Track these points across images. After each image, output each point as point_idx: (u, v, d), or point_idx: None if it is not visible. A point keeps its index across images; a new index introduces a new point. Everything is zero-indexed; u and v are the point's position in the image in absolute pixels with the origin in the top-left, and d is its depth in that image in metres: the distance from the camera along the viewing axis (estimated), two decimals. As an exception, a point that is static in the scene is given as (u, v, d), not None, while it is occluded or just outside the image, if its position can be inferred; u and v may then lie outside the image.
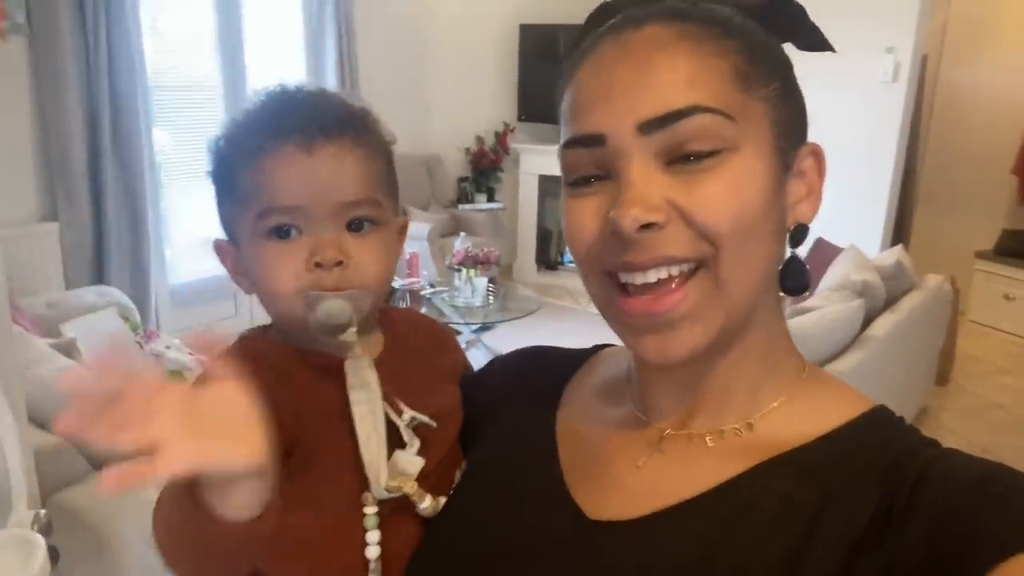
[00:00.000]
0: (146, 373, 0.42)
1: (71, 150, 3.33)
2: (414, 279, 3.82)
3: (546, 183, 5.45)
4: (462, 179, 5.60)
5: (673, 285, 0.48)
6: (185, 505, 0.49)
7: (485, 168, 5.55)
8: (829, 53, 0.55)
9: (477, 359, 0.99)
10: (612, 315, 0.52)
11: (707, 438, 0.54)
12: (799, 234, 0.53)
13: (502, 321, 3.70)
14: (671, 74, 0.47)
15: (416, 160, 5.18)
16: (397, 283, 3.70)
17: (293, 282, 0.61)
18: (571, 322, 4.38)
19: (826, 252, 3.06)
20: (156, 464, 0.40)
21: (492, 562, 0.56)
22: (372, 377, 0.62)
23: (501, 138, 5.53)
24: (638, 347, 0.51)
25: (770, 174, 0.49)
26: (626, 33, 0.50)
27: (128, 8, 3.43)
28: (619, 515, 0.52)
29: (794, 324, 2.05)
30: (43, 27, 3.21)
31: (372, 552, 0.61)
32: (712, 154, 0.47)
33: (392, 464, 0.61)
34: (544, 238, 5.68)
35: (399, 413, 0.62)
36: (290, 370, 0.63)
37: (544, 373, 0.69)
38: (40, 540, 0.87)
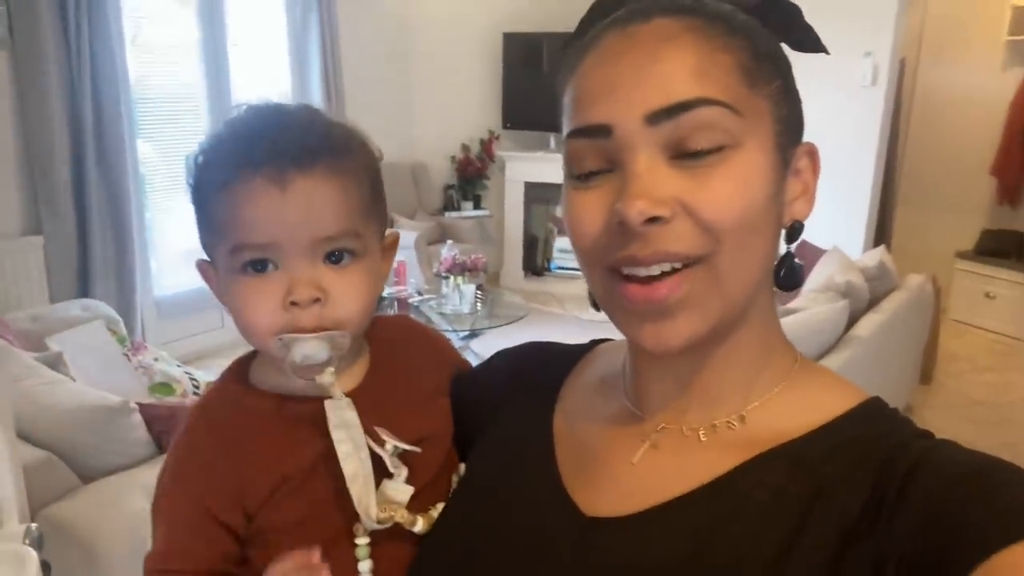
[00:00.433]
0: None
1: (55, 162, 3.30)
2: (402, 287, 3.82)
3: (532, 190, 5.47)
4: (448, 187, 5.62)
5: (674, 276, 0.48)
6: None
7: (471, 176, 5.56)
8: (809, 57, 0.55)
9: (467, 365, 0.98)
10: (613, 305, 0.52)
11: (700, 432, 0.54)
12: (795, 231, 0.54)
13: (490, 328, 3.69)
14: (679, 65, 0.47)
15: (402, 168, 5.19)
16: (385, 291, 3.70)
17: (269, 320, 0.59)
18: (558, 327, 4.41)
19: (809, 254, 3.09)
20: None
21: (491, 562, 0.56)
22: (352, 416, 0.60)
23: (486, 146, 5.54)
24: (637, 335, 0.51)
25: (772, 171, 0.49)
26: (632, 25, 0.49)
27: (111, 19, 3.40)
28: (615, 512, 0.53)
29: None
30: (25, 39, 3.18)
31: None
32: (717, 150, 0.47)
33: (380, 494, 0.60)
34: (531, 244, 5.70)
35: (382, 444, 0.61)
36: (271, 412, 0.63)
37: (543, 370, 0.69)
38: (32, 554, 0.87)
